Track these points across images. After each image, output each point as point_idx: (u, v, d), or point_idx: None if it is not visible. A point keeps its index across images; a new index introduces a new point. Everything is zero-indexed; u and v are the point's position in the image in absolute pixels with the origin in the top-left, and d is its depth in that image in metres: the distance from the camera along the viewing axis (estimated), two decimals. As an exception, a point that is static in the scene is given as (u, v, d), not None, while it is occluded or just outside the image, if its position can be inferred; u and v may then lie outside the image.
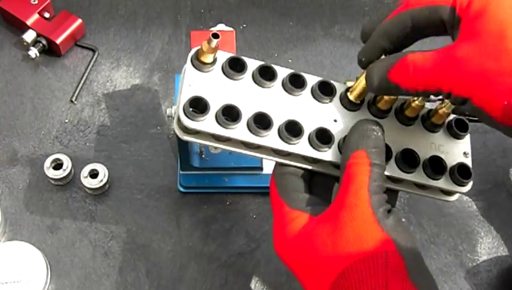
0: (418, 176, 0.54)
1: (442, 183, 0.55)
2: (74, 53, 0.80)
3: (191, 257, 0.68)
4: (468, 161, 0.56)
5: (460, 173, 0.55)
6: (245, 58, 0.54)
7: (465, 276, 0.69)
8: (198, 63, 0.53)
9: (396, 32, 0.50)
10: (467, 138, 0.57)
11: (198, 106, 0.51)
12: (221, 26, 0.72)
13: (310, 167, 0.54)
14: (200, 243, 0.69)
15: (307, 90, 0.55)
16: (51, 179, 0.70)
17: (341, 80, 0.69)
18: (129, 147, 0.74)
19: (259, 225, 0.70)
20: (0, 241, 0.67)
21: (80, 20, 0.79)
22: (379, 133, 0.50)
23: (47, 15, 0.80)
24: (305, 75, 0.55)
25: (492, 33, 0.44)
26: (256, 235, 0.70)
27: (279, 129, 0.52)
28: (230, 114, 0.52)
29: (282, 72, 0.55)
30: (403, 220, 0.50)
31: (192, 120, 0.51)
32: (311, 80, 0.55)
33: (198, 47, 0.52)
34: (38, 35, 0.78)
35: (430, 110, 0.56)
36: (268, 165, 0.71)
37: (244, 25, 0.83)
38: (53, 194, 0.71)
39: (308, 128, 0.53)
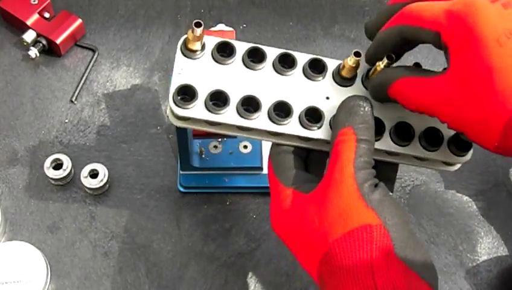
0: (413, 149, 0.54)
1: (440, 154, 0.54)
2: (74, 53, 0.80)
3: (191, 257, 0.68)
4: None
5: (459, 143, 0.54)
6: (233, 42, 0.55)
7: (465, 276, 0.69)
8: (187, 51, 0.54)
9: (390, 44, 0.51)
10: None
11: (187, 93, 0.52)
12: (221, 26, 0.72)
13: (304, 145, 0.54)
14: (200, 243, 0.69)
15: (298, 69, 0.55)
16: (51, 179, 0.70)
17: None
18: (129, 147, 0.74)
19: (259, 225, 0.70)
20: (0, 241, 0.67)
21: (79, 20, 0.79)
22: (367, 108, 0.50)
23: (47, 15, 0.80)
24: (295, 53, 0.55)
25: (479, 76, 0.43)
26: (256, 235, 0.70)
27: (268, 111, 0.53)
28: (219, 99, 0.52)
29: (272, 53, 0.55)
30: (391, 194, 0.50)
31: (182, 108, 0.52)
32: (302, 58, 0.55)
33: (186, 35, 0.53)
34: (38, 35, 0.78)
35: None
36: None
37: (244, 25, 0.83)
38: (53, 194, 0.71)
39: (299, 107, 0.53)
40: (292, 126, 0.53)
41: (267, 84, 0.54)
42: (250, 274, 0.67)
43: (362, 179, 0.48)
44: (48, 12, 0.80)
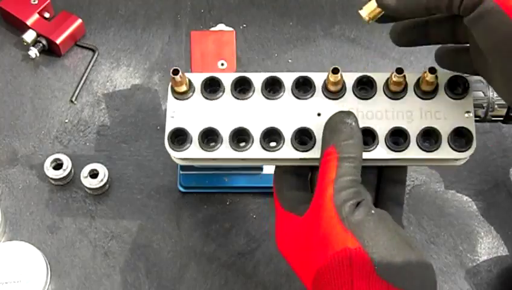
0: (411, 152, 0.53)
1: (439, 153, 0.53)
2: (74, 53, 0.80)
3: (191, 257, 0.68)
4: (470, 122, 0.53)
5: (460, 137, 0.53)
6: (218, 75, 0.55)
7: (465, 276, 0.69)
8: (176, 94, 0.55)
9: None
10: (469, 94, 0.54)
11: (181, 135, 0.54)
12: (221, 26, 0.72)
13: (304, 164, 0.54)
14: (200, 243, 0.69)
15: (287, 91, 0.55)
16: (51, 179, 0.70)
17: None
18: (129, 147, 0.74)
19: (259, 225, 0.70)
20: (0, 241, 0.67)
21: (79, 20, 0.79)
22: (350, 123, 0.49)
23: (47, 15, 0.80)
24: (280, 75, 0.55)
25: None
26: (256, 235, 0.70)
27: (260, 139, 0.53)
28: (211, 135, 0.53)
29: (258, 79, 0.55)
30: (373, 212, 0.49)
31: (176, 151, 0.54)
32: (288, 78, 0.55)
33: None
34: (38, 35, 0.78)
35: (419, 77, 0.54)
36: (269, 165, 0.71)
37: (244, 25, 0.83)
38: (53, 194, 0.71)
39: (290, 130, 0.53)
40: (284, 150, 0.53)
41: (257, 111, 0.54)
42: (250, 274, 0.67)
43: (341, 200, 0.47)
44: (48, 12, 0.80)
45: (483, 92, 0.57)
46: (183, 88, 0.54)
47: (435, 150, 0.53)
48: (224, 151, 0.53)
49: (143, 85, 0.78)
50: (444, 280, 0.68)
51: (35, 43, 0.78)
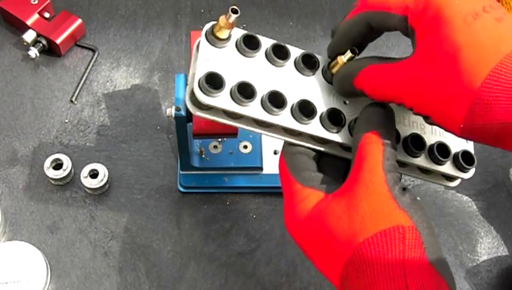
0: (424, 161, 0.54)
1: (447, 168, 0.55)
2: (74, 53, 0.80)
3: (191, 257, 0.68)
4: (470, 147, 0.56)
5: (464, 159, 0.55)
6: (259, 37, 0.54)
7: (465, 276, 0.69)
8: (214, 38, 0.52)
9: (355, 33, 0.51)
10: None
11: (213, 81, 0.50)
12: (221, 26, 0.72)
13: (319, 148, 0.53)
14: (200, 243, 0.69)
15: (319, 71, 0.55)
16: (51, 179, 0.70)
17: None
18: (129, 147, 0.74)
19: (259, 225, 0.70)
20: (0, 241, 0.67)
21: (79, 20, 0.79)
22: (392, 116, 0.51)
23: (47, 15, 0.80)
24: (317, 55, 0.55)
25: (446, 55, 0.44)
26: (256, 235, 0.70)
27: (292, 108, 0.52)
28: (244, 91, 0.51)
29: (295, 52, 0.55)
30: (418, 199, 0.50)
31: (208, 95, 0.50)
32: (322, 60, 0.55)
33: (214, 22, 0.52)
34: (38, 35, 0.78)
35: None
36: (268, 165, 0.71)
37: (244, 25, 0.83)
38: (53, 194, 0.71)
39: (320, 108, 0.53)
40: (314, 126, 0.52)
41: (289, 81, 0.54)
42: (250, 274, 0.67)
43: (392, 181, 0.47)
44: (48, 12, 0.80)
45: None
46: (226, 34, 0.52)
47: (444, 164, 0.55)
48: (256, 110, 0.51)
49: (143, 85, 0.78)
50: (444, 280, 0.68)
51: (35, 43, 0.78)
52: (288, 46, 0.54)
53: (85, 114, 0.76)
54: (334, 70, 0.53)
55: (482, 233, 0.71)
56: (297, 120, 0.52)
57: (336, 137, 0.52)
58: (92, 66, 0.79)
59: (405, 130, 0.54)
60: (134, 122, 0.76)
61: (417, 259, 0.44)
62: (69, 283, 0.66)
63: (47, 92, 0.77)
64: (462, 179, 0.57)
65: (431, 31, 0.45)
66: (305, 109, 0.52)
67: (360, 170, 0.48)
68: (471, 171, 0.56)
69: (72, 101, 0.76)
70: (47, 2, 0.79)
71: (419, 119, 0.55)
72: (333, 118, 0.52)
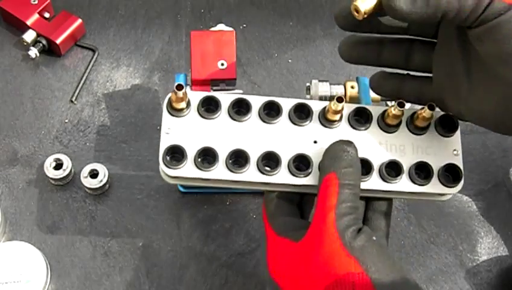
0: (403, 185, 0.54)
1: (430, 188, 0.54)
2: (74, 53, 0.80)
3: (191, 257, 0.68)
4: (458, 159, 0.55)
5: (449, 174, 0.54)
6: (217, 95, 0.55)
7: (465, 276, 0.69)
8: (173, 110, 0.54)
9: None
10: (457, 134, 0.56)
11: (176, 152, 0.53)
12: (221, 26, 0.72)
13: (296, 190, 0.54)
14: (200, 243, 0.69)
15: (284, 116, 0.55)
16: (51, 179, 0.70)
17: (341, 80, 0.69)
18: (129, 147, 0.74)
19: (259, 225, 0.70)
20: (0, 241, 0.67)
21: (79, 20, 0.79)
22: (351, 152, 0.50)
23: (47, 15, 0.80)
24: (279, 100, 0.55)
25: None
26: (256, 235, 0.69)
27: (257, 162, 0.53)
28: (208, 155, 0.53)
29: (257, 102, 0.55)
30: (374, 239, 0.49)
31: (171, 168, 0.52)
32: (287, 104, 0.55)
33: (170, 94, 0.53)
34: (38, 35, 0.78)
35: (414, 112, 0.55)
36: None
37: (244, 25, 0.83)
38: (53, 194, 0.71)
39: (287, 155, 0.53)
40: (281, 175, 0.53)
41: (254, 134, 0.54)
42: (250, 274, 0.67)
43: (344, 225, 0.47)
44: (48, 12, 0.80)
45: None
46: (182, 104, 0.54)
47: (426, 184, 0.54)
48: (221, 172, 0.53)
49: (143, 85, 0.78)
50: (444, 280, 0.68)
51: (35, 43, 0.78)
52: (248, 97, 0.54)
53: (85, 114, 0.76)
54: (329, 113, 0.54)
55: (482, 233, 0.71)
56: (263, 173, 0.53)
57: (306, 180, 0.53)
58: (92, 66, 0.79)
59: (382, 156, 0.54)
60: (134, 122, 0.76)
61: None
62: (69, 283, 0.66)
63: (47, 92, 0.77)
64: (450, 193, 0.56)
65: None
66: (270, 160, 0.53)
67: (316, 218, 0.49)
68: (459, 185, 0.54)
69: (72, 101, 0.76)
70: (47, 2, 0.79)
71: (398, 142, 0.55)
72: (299, 163, 0.53)
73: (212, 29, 0.71)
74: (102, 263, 0.67)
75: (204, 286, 0.67)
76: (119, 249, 0.68)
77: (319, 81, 0.67)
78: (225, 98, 0.55)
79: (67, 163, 0.70)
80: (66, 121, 0.75)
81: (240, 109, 0.55)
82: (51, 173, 0.69)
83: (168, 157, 0.53)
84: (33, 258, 0.64)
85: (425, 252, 0.70)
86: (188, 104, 0.54)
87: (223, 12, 0.84)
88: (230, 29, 0.71)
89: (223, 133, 0.54)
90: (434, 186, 0.54)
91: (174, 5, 0.84)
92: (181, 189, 0.71)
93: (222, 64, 0.65)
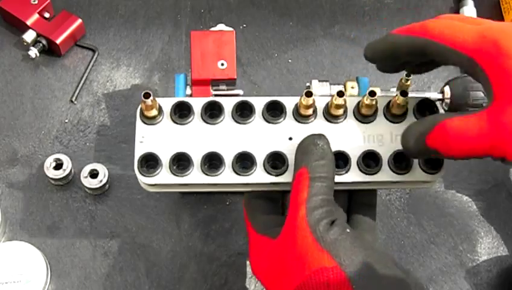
0: (384, 175, 0.53)
1: (411, 176, 0.53)
2: (74, 53, 0.80)
3: (191, 257, 0.68)
4: None
5: (430, 160, 0.53)
6: (188, 100, 0.55)
7: (465, 276, 0.69)
8: (145, 118, 0.54)
9: (407, 51, 0.49)
10: None
11: (151, 160, 0.53)
12: (221, 26, 0.72)
13: (275, 189, 0.54)
14: (200, 243, 0.69)
15: (258, 115, 0.55)
16: (51, 179, 0.70)
17: (341, 80, 0.69)
18: (129, 147, 0.74)
19: (259, 225, 0.70)
20: (0, 241, 0.67)
21: (79, 20, 0.79)
22: (321, 145, 0.50)
23: (47, 15, 0.80)
24: (251, 99, 0.55)
25: None
26: (256, 235, 0.70)
27: (232, 164, 0.53)
28: (182, 160, 0.53)
29: (229, 104, 0.55)
30: (348, 231, 0.49)
31: (147, 176, 0.53)
32: (259, 103, 0.55)
33: (142, 102, 0.53)
34: (38, 35, 0.78)
35: (390, 101, 0.54)
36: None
37: (244, 25, 0.83)
38: (53, 194, 0.71)
39: (262, 154, 0.53)
40: (257, 174, 0.53)
41: (228, 136, 0.54)
42: (250, 274, 0.67)
43: (314, 219, 0.47)
44: (48, 12, 0.80)
45: (482, 92, 0.57)
46: (153, 112, 0.54)
47: (407, 172, 0.53)
48: (196, 177, 0.53)
49: (143, 85, 0.78)
50: (444, 280, 0.68)
51: (35, 43, 0.78)
52: (220, 100, 0.54)
53: (85, 114, 0.76)
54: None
55: (482, 233, 0.71)
56: (238, 174, 0.53)
57: (282, 178, 0.53)
58: (92, 66, 0.79)
59: (360, 148, 0.53)
60: (134, 122, 0.75)
61: None
62: (69, 283, 0.66)
63: (47, 92, 0.77)
64: (433, 181, 0.55)
65: (508, 77, 0.42)
66: (244, 160, 0.53)
67: (289, 214, 0.49)
68: (441, 172, 0.53)
69: (72, 101, 0.76)
70: (47, 2, 0.79)
71: (376, 131, 0.54)
72: (274, 161, 0.53)
73: (212, 29, 0.71)
74: (102, 263, 0.67)
75: (204, 286, 0.67)
76: (119, 249, 0.68)
77: (319, 81, 0.67)
78: (196, 102, 0.55)
79: (67, 163, 0.70)
80: (66, 121, 0.75)
81: (213, 111, 0.55)
82: (51, 173, 0.69)
83: (143, 166, 0.53)
84: (33, 258, 0.64)
85: (425, 252, 0.70)
86: (160, 111, 0.54)
87: (223, 12, 0.84)
88: (230, 29, 0.70)
89: (197, 137, 0.54)
90: (415, 174, 0.53)
91: (174, 5, 0.84)
92: (181, 189, 0.71)
93: (222, 64, 0.65)
